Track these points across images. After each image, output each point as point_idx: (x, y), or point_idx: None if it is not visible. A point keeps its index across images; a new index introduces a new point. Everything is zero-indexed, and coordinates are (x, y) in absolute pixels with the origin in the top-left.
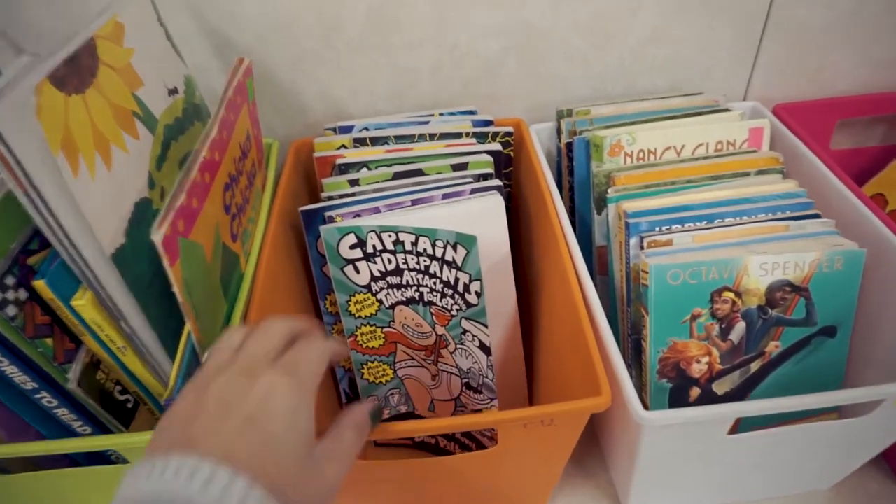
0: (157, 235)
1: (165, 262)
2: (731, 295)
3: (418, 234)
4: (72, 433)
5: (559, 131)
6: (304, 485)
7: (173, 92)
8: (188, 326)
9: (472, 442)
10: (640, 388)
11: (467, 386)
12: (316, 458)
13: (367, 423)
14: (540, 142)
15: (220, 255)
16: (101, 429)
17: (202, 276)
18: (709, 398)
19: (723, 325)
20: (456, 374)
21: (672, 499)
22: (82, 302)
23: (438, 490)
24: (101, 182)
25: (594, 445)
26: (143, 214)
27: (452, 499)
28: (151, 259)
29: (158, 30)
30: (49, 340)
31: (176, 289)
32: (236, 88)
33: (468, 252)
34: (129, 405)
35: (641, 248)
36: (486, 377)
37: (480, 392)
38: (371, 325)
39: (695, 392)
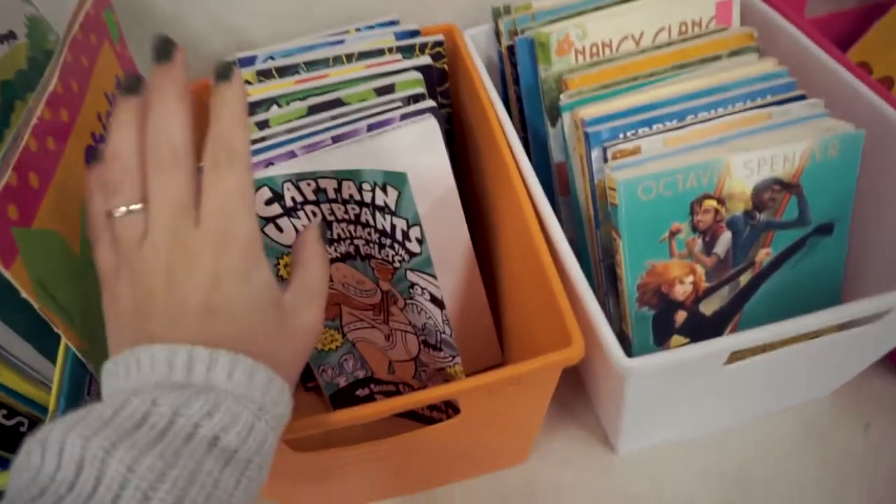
0: None
1: None
2: (713, 203)
3: (340, 178)
4: None
5: (497, 33)
6: (283, 336)
7: (8, 38)
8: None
9: (441, 402)
10: (620, 318)
11: (425, 343)
12: (289, 309)
13: (323, 248)
14: (477, 49)
15: None
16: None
17: (67, 270)
18: (697, 320)
19: (706, 239)
20: (411, 332)
21: (665, 433)
22: None
23: (411, 461)
24: None
25: (578, 385)
26: None
27: (428, 466)
28: None
29: None
30: None
31: (24, 294)
32: (85, 24)
33: (400, 193)
34: (23, 428)
35: (605, 160)
36: (444, 333)
37: (440, 349)
38: None
39: (681, 316)
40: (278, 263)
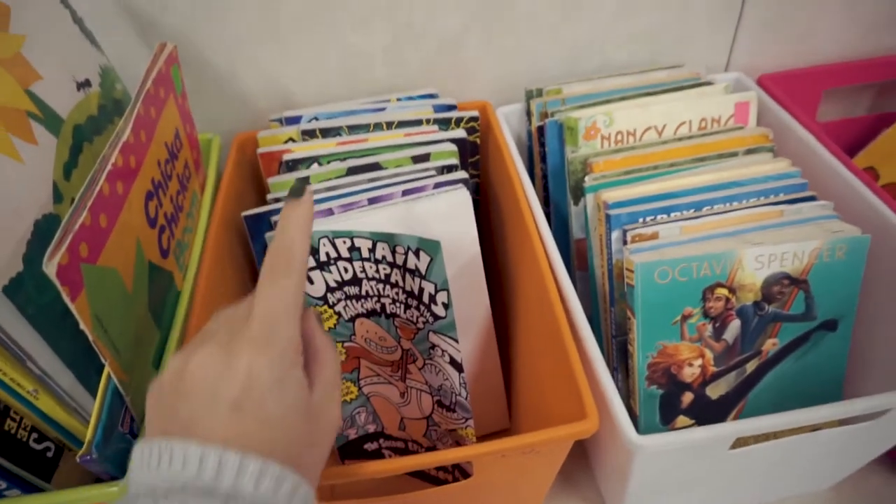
0: (51, 266)
1: (65, 296)
2: (724, 292)
3: (375, 239)
4: None
5: (529, 113)
6: (309, 439)
7: (84, 85)
8: (107, 367)
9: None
10: (628, 394)
11: (439, 404)
12: (316, 411)
13: (328, 335)
14: (509, 126)
15: (145, 277)
16: (19, 482)
17: (120, 305)
18: (703, 403)
19: (716, 325)
20: (426, 392)
21: None
22: None
23: None
24: None
25: (581, 456)
26: (46, 234)
27: None
28: None
29: (61, 12)
30: None
31: (84, 326)
32: (157, 79)
33: (432, 259)
34: (50, 454)
35: (625, 242)
36: (459, 395)
37: (454, 410)
38: None
39: (687, 397)
40: None
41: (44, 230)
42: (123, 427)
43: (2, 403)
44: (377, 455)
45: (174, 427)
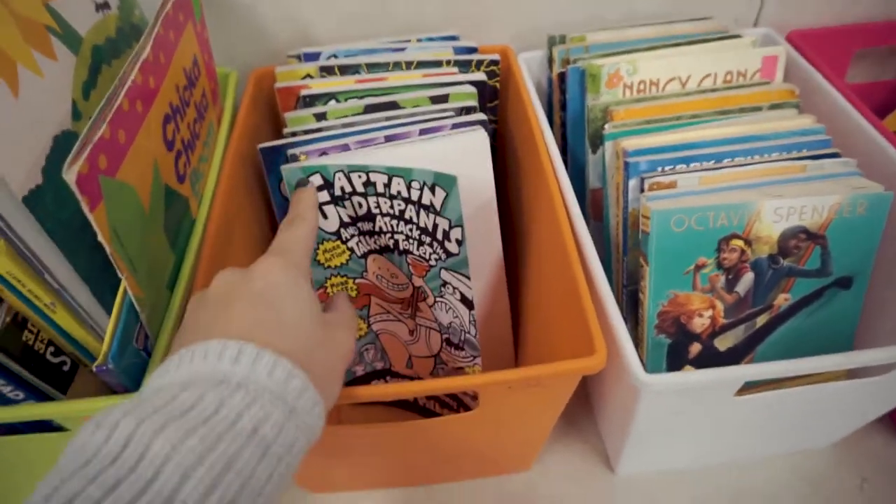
0: (70, 174)
1: (84, 206)
2: (740, 243)
3: (391, 174)
4: (1, 398)
5: (551, 60)
6: (322, 353)
7: (103, 7)
8: (123, 281)
9: (453, 400)
10: (636, 342)
11: (448, 342)
12: (330, 324)
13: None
14: (529, 72)
15: (161, 199)
16: (36, 392)
17: (137, 222)
18: (710, 354)
19: (729, 276)
20: (435, 329)
21: (665, 459)
22: None
23: (418, 451)
24: (5, 112)
25: (583, 399)
26: (65, 150)
27: (433, 459)
28: (79, 202)
29: None
30: None
31: (101, 237)
32: (176, 2)
33: (447, 194)
34: (66, 368)
35: (642, 190)
36: (469, 333)
37: (462, 349)
38: (342, 276)
39: (695, 348)
40: (318, 248)
41: (63, 146)
42: (138, 343)
43: (20, 315)
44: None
45: (193, 337)
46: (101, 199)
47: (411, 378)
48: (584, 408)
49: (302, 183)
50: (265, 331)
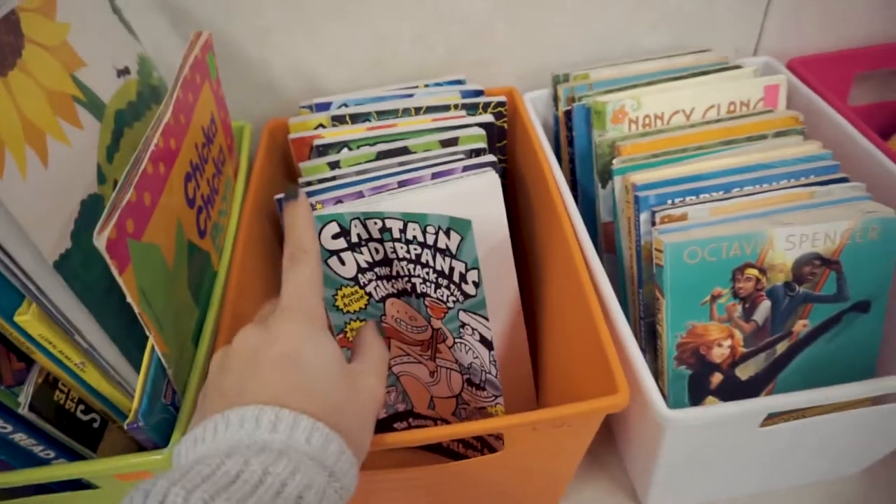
0: (100, 240)
1: (114, 270)
2: (754, 272)
3: (406, 219)
4: (33, 458)
5: (556, 98)
6: (351, 406)
7: (124, 73)
8: (151, 339)
9: (477, 440)
10: (656, 375)
11: (469, 382)
12: (356, 373)
13: (382, 338)
14: (535, 111)
15: (185, 256)
16: (66, 450)
17: (163, 281)
18: (732, 384)
19: (746, 305)
20: (456, 370)
21: (694, 492)
22: (27, 317)
23: (444, 493)
24: (36, 181)
25: (607, 434)
26: (92, 214)
27: (460, 501)
28: (105, 264)
29: (102, 1)
30: None
31: (130, 299)
32: (194, 66)
33: (463, 238)
34: (95, 425)
35: (653, 223)
36: (489, 373)
37: (484, 388)
38: (361, 320)
39: (716, 378)
40: (336, 294)
41: (89, 209)
42: (166, 398)
43: (51, 375)
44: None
45: (221, 402)
46: (130, 262)
47: (434, 419)
48: (607, 443)
49: (291, 195)
50: (295, 394)
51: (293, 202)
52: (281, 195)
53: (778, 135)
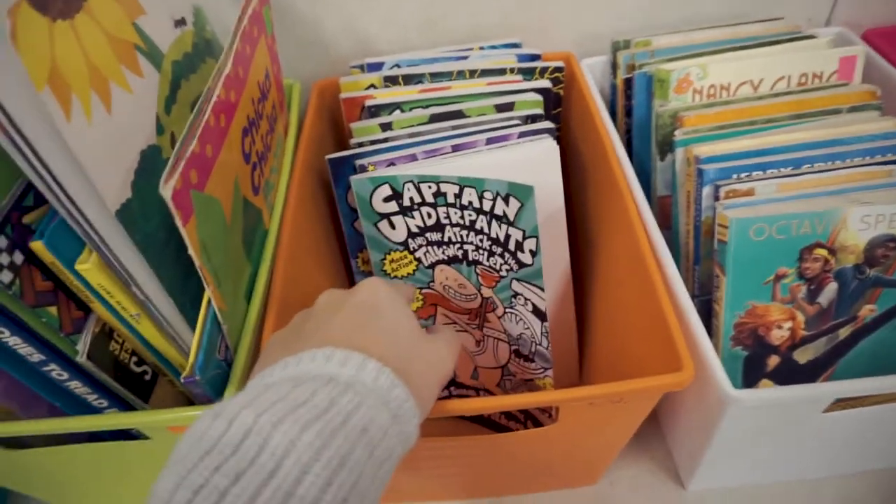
0: (167, 189)
1: (178, 221)
2: (823, 252)
3: (463, 184)
4: (86, 406)
5: (615, 66)
6: (420, 365)
7: (181, 23)
8: (208, 293)
9: (521, 413)
10: None
11: (517, 353)
12: (426, 339)
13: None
14: (593, 78)
15: (240, 211)
16: (119, 401)
17: (221, 235)
18: (789, 367)
19: (811, 287)
20: (504, 341)
21: (740, 474)
22: (87, 266)
23: (490, 465)
24: (100, 126)
25: (651, 414)
26: (151, 164)
27: (504, 473)
28: (164, 215)
29: None
30: (53, 309)
31: (192, 251)
32: (252, 18)
33: (523, 205)
34: (147, 377)
35: (717, 198)
36: (540, 344)
37: (532, 360)
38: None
39: (773, 360)
40: (384, 258)
41: (149, 160)
42: (220, 354)
43: (107, 326)
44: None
45: (297, 345)
46: (193, 214)
47: (476, 389)
48: (650, 421)
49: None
50: (367, 337)
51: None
52: (332, 155)
53: (853, 109)
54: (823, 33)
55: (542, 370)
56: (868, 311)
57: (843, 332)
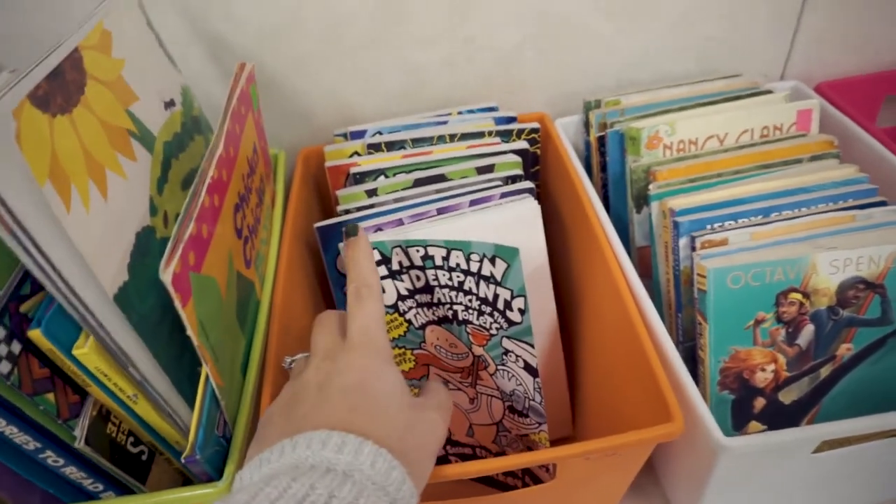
0: (167, 274)
1: (177, 304)
2: (798, 296)
3: (450, 247)
4: (81, 491)
5: (587, 124)
6: (414, 437)
7: (170, 105)
8: (205, 370)
9: (520, 470)
10: None
11: (511, 409)
12: (420, 406)
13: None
14: (567, 136)
15: (234, 287)
16: (115, 483)
17: (218, 313)
18: (775, 408)
19: (789, 330)
20: (497, 397)
21: None
22: (85, 350)
23: None
24: (98, 214)
25: (647, 463)
26: (145, 246)
27: None
28: (158, 295)
29: (149, 36)
30: (50, 395)
31: (191, 332)
32: (240, 97)
33: (509, 266)
34: (144, 457)
35: (693, 248)
36: (534, 400)
37: (527, 416)
38: (400, 348)
39: (759, 402)
40: None
41: (143, 241)
42: (218, 430)
43: (104, 408)
44: (444, 461)
45: (289, 427)
46: (191, 295)
47: (472, 447)
48: (646, 469)
49: (352, 231)
50: (361, 420)
51: (354, 238)
52: (320, 223)
53: (813, 158)
54: (780, 87)
55: (536, 425)
56: (845, 349)
57: (824, 372)
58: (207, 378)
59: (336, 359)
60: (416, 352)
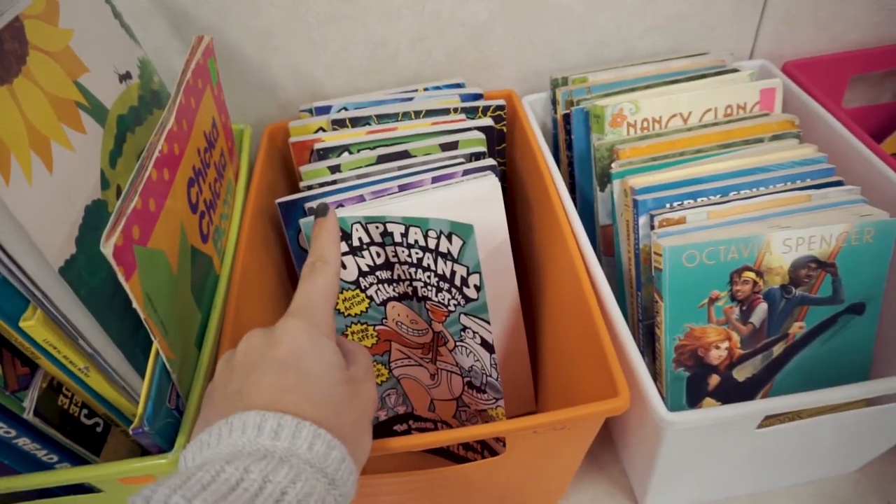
0: (108, 247)
1: (121, 277)
2: (751, 275)
3: (408, 224)
4: (36, 462)
5: (554, 102)
6: (350, 413)
7: (126, 77)
8: (155, 344)
9: (478, 443)
10: (655, 377)
11: (469, 385)
12: (352, 383)
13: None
14: (534, 114)
15: (188, 261)
16: (70, 455)
17: (167, 286)
18: (729, 385)
19: (743, 308)
20: (457, 373)
21: (692, 493)
22: (32, 322)
23: (445, 496)
24: (41, 187)
25: (606, 435)
26: (96, 219)
27: (462, 502)
28: (109, 269)
29: (103, 7)
30: None
31: (136, 305)
32: (195, 70)
33: (465, 242)
34: (99, 429)
35: (652, 227)
36: (490, 376)
37: (484, 391)
38: (362, 324)
39: (714, 380)
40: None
41: (94, 215)
42: (170, 403)
43: (55, 380)
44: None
45: (226, 406)
46: (136, 268)
47: (434, 421)
48: (606, 444)
49: (321, 211)
50: (297, 399)
51: (322, 218)
52: (282, 199)
53: (774, 138)
54: (747, 66)
55: (493, 400)
56: (798, 328)
57: (777, 350)
58: (158, 351)
59: (272, 330)
60: (377, 328)
